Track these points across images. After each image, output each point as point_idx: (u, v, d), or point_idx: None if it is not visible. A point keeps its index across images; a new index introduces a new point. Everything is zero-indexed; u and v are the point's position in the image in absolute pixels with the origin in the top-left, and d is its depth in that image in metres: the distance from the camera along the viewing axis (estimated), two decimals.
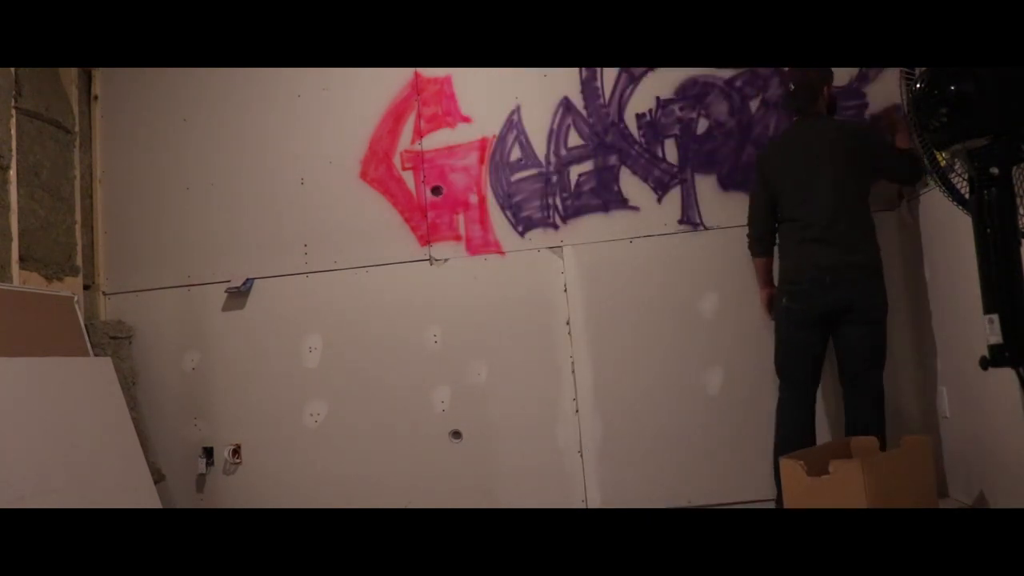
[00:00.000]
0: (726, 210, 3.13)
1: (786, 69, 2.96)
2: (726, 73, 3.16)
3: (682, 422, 3.07)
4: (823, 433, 2.90)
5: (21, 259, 3.04)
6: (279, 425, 3.29)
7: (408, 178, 3.33)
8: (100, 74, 3.59)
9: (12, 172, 3.03)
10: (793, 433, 2.70)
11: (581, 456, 3.12)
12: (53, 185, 3.29)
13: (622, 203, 3.20)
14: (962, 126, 1.48)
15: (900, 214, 2.98)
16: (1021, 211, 1.52)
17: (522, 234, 3.25)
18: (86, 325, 3.21)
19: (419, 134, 3.34)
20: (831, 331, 2.71)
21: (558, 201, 3.23)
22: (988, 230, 1.50)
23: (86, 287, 3.43)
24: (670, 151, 3.19)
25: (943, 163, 1.72)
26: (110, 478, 2.87)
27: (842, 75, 3.08)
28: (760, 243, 2.91)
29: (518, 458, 3.15)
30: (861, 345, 2.65)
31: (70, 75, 3.45)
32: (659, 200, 3.18)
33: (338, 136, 3.37)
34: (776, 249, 2.91)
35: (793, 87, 2.83)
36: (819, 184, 2.68)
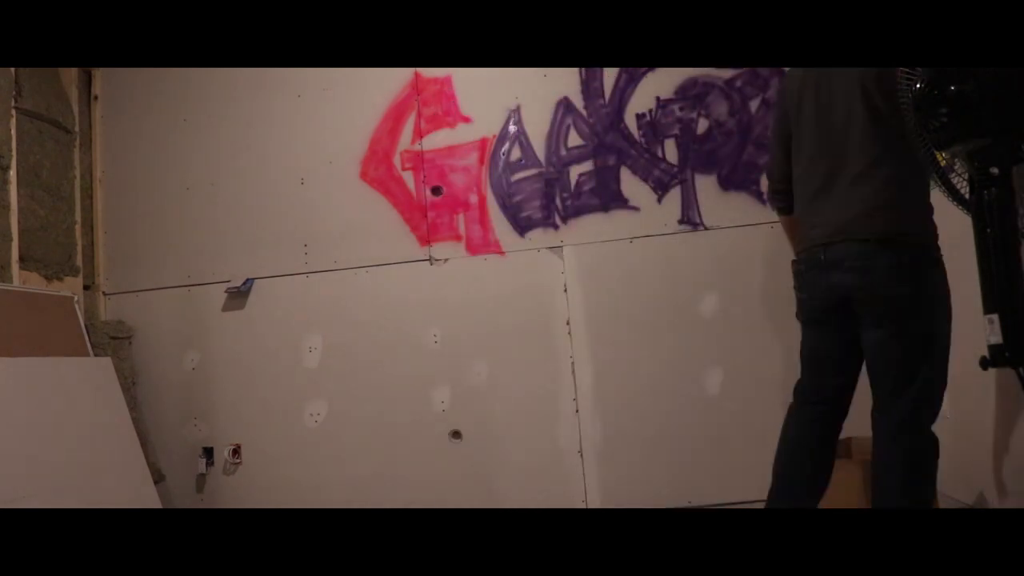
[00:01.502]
0: (726, 210, 3.13)
1: None
2: (726, 73, 3.17)
3: (682, 422, 3.07)
4: None
5: (21, 259, 3.04)
6: (279, 425, 3.29)
7: (408, 178, 3.33)
8: (100, 74, 3.59)
9: (12, 172, 3.03)
10: (790, 457, 2.08)
11: (581, 456, 3.12)
12: (53, 185, 3.29)
13: (622, 203, 3.20)
14: (962, 126, 1.48)
15: None
16: (1021, 211, 1.52)
17: (522, 234, 3.25)
18: (86, 325, 3.21)
19: (419, 134, 3.34)
20: (855, 327, 1.95)
21: (558, 201, 3.23)
22: (988, 230, 1.50)
23: (86, 287, 3.43)
24: (670, 151, 3.19)
25: (943, 163, 1.72)
26: (110, 478, 2.87)
27: None
28: (778, 196, 2.21)
29: (518, 458, 3.15)
30: (881, 357, 1.90)
31: (70, 75, 3.45)
32: (659, 200, 3.18)
33: (338, 136, 3.37)
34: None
35: None
36: (837, 121, 1.92)
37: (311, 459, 3.25)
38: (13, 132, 3.05)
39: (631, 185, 3.20)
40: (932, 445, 1.91)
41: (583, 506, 3.09)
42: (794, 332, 3.05)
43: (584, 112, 3.24)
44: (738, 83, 3.16)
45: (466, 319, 3.22)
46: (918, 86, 1.54)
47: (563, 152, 3.25)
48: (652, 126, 3.21)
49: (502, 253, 3.24)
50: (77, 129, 3.47)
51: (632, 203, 3.19)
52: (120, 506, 2.79)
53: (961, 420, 2.60)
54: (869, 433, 2.76)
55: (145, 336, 3.43)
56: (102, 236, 3.53)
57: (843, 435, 2.79)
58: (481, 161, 3.29)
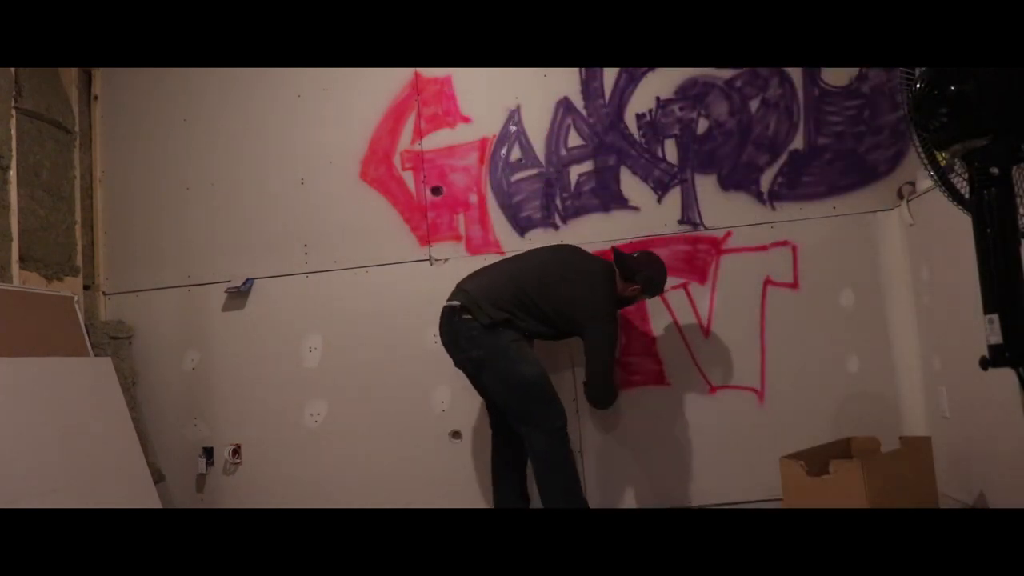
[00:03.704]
0: (726, 210, 3.13)
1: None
2: (726, 73, 3.17)
3: (682, 422, 3.07)
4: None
5: (21, 259, 3.04)
6: (279, 425, 3.29)
7: (408, 178, 3.33)
8: (100, 74, 3.60)
9: (12, 172, 3.03)
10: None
11: (581, 456, 3.11)
12: (53, 185, 3.29)
13: (622, 203, 3.20)
14: (962, 126, 1.48)
15: (900, 214, 2.98)
16: (1021, 211, 1.52)
17: (522, 234, 3.25)
18: (86, 325, 3.21)
19: (419, 134, 3.34)
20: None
21: (558, 201, 3.23)
22: (988, 230, 1.50)
23: (86, 287, 3.43)
24: (670, 151, 3.19)
25: (943, 163, 1.72)
26: (110, 478, 2.87)
27: (842, 75, 3.09)
28: None
29: None
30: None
31: (70, 75, 3.45)
32: (659, 200, 3.18)
33: (338, 136, 3.37)
34: None
35: (635, 254, 2.74)
36: (507, 274, 2.73)
37: (311, 459, 3.25)
38: (13, 132, 3.05)
39: (631, 185, 3.20)
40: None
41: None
42: (793, 331, 3.06)
43: (584, 112, 3.24)
44: (738, 83, 3.16)
45: None
46: (918, 86, 1.54)
47: (563, 152, 3.25)
48: (652, 126, 3.21)
49: (502, 253, 3.24)
50: (77, 129, 3.47)
51: (632, 203, 3.19)
52: (120, 506, 2.79)
53: (961, 420, 2.60)
54: (869, 433, 2.78)
55: (145, 336, 3.43)
56: (102, 236, 3.53)
57: (843, 435, 2.82)
58: (481, 161, 3.29)
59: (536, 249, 2.89)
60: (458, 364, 2.73)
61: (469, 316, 2.61)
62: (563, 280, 2.65)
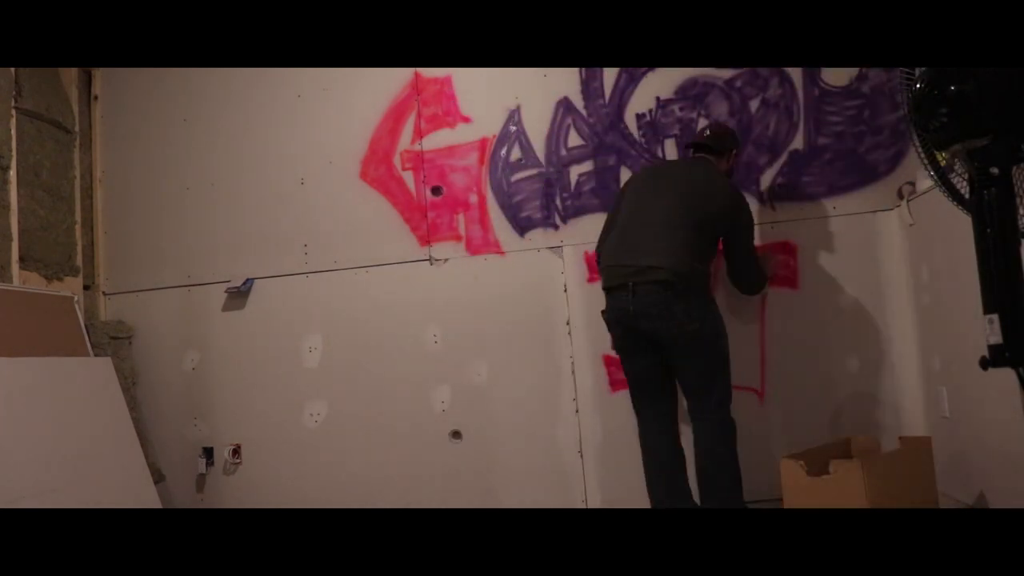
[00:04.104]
0: None
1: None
2: (726, 73, 3.16)
3: (682, 422, 3.07)
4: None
5: (21, 259, 3.04)
6: (279, 425, 3.29)
7: (408, 178, 3.33)
8: (100, 74, 3.60)
9: (12, 172, 3.03)
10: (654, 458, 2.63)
11: (581, 456, 3.12)
12: (53, 185, 3.29)
13: None
14: (962, 126, 1.48)
15: (900, 214, 2.98)
16: (1021, 211, 1.52)
17: (522, 234, 3.25)
18: (86, 325, 3.21)
19: (419, 134, 3.34)
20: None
21: (558, 201, 3.23)
22: (988, 230, 1.50)
23: (86, 287, 3.43)
24: (670, 151, 3.19)
25: (943, 163, 1.72)
26: (110, 478, 2.87)
27: (842, 75, 3.09)
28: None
29: (518, 458, 3.15)
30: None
31: (70, 75, 3.45)
32: None
33: (338, 136, 3.37)
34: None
35: (708, 132, 2.81)
36: (657, 209, 2.54)
37: (311, 459, 3.25)
38: (13, 132, 3.05)
39: None
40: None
41: (583, 506, 3.09)
42: (793, 331, 3.05)
43: (584, 112, 3.24)
44: (738, 83, 3.16)
45: (466, 319, 3.22)
46: (918, 86, 1.54)
47: (563, 152, 3.25)
48: (652, 126, 3.21)
49: (502, 253, 3.24)
50: (77, 129, 3.47)
51: None
52: (120, 506, 2.79)
53: (961, 420, 2.60)
54: (869, 433, 2.78)
55: (145, 336, 3.43)
56: (102, 236, 3.53)
57: (843, 435, 2.82)
58: (481, 161, 3.29)
59: (635, 188, 2.71)
60: (645, 342, 2.52)
61: (675, 283, 2.41)
62: (695, 194, 2.56)
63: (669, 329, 2.44)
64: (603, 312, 2.65)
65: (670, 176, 2.70)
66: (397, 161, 3.34)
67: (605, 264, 2.63)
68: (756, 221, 3.09)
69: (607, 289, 2.60)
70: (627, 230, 2.59)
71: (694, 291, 2.47)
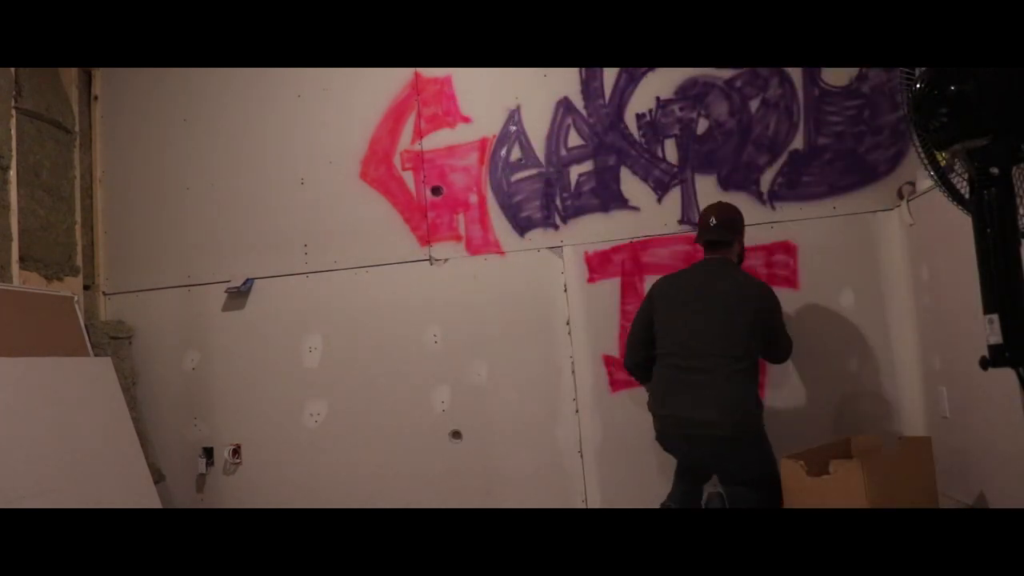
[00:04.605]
0: None
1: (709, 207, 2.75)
2: (726, 73, 3.16)
3: None
4: (821, 435, 2.90)
5: (21, 259, 3.04)
6: (279, 425, 3.29)
7: (408, 178, 3.33)
8: (100, 74, 3.60)
9: (12, 172, 3.03)
10: None
11: (581, 456, 3.12)
12: (53, 185, 3.29)
13: (622, 203, 3.20)
14: (962, 126, 1.47)
15: (900, 214, 2.98)
16: (1021, 211, 1.51)
17: (522, 234, 3.25)
18: (86, 325, 3.21)
19: (419, 134, 3.34)
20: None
21: (558, 201, 3.23)
22: (988, 230, 1.50)
23: (86, 287, 3.43)
24: (670, 151, 3.19)
25: (943, 163, 1.72)
26: (110, 478, 2.87)
27: (841, 75, 3.09)
28: (638, 370, 2.75)
29: (518, 458, 3.15)
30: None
31: (70, 75, 3.45)
32: (659, 200, 3.18)
33: (338, 136, 3.37)
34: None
35: (715, 221, 2.65)
36: (710, 326, 2.50)
37: (311, 459, 3.25)
38: (13, 132, 3.05)
39: (631, 185, 3.20)
40: None
41: (583, 506, 3.09)
42: (793, 331, 3.05)
43: (584, 112, 3.24)
44: (738, 83, 3.16)
45: (466, 319, 3.22)
46: (918, 86, 1.54)
47: (563, 152, 3.25)
48: (652, 126, 3.21)
49: (502, 253, 3.24)
50: (77, 129, 3.47)
51: (632, 203, 3.19)
52: (120, 506, 2.79)
53: (961, 420, 2.60)
54: (869, 433, 2.78)
55: (145, 336, 3.43)
56: (102, 236, 3.53)
57: (843, 435, 2.81)
58: (481, 161, 3.29)
59: (667, 307, 2.65)
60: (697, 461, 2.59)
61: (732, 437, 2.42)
62: (729, 308, 2.52)
63: (724, 474, 2.56)
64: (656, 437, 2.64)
65: (700, 294, 2.59)
66: (397, 161, 3.34)
67: (658, 413, 2.61)
68: (756, 221, 3.10)
69: (661, 432, 2.61)
70: (678, 371, 2.54)
71: (747, 439, 2.47)
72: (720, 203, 2.76)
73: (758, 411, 2.50)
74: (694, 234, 3.12)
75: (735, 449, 2.44)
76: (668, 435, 2.59)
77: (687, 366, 2.51)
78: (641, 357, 2.70)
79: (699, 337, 2.52)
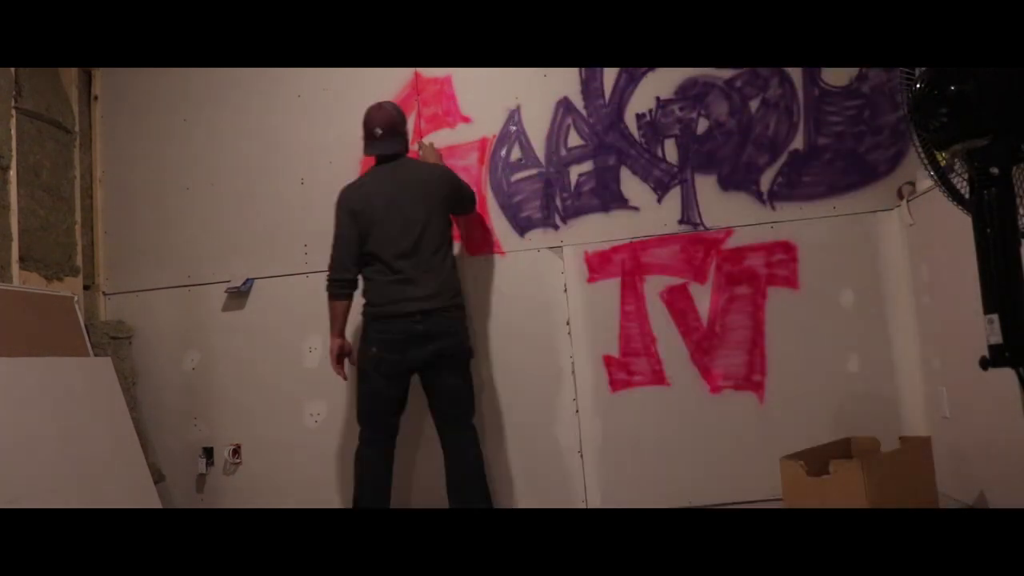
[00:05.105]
0: (726, 210, 3.13)
1: (369, 110, 2.85)
2: (726, 73, 3.16)
3: (682, 422, 3.07)
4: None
5: (21, 259, 3.04)
6: (279, 425, 3.29)
7: None
8: (100, 74, 3.60)
9: (12, 172, 3.03)
10: (373, 485, 2.73)
11: (581, 456, 3.12)
12: (53, 185, 3.29)
13: (622, 203, 3.20)
14: (962, 126, 1.48)
15: (900, 214, 2.98)
16: (1021, 211, 1.52)
17: (522, 234, 3.24)
18: (86, 325, 3.21)
19: (419, 134, 3.34)
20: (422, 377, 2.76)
21: (558, 201, 3.23)
22: (988, 230, 1.50)
23: (86, 287, 3.43)
24: (670, 151, 3.19)
25: (943, 163, 1.72)
26: (110, 478, 2.87)
27: (841, 75, 3.09)
28: (341, 285, 2.81)
29: (518, 458, 3.15)
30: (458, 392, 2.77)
31: (70, 75, 3.45)
32: (659, 200, 3.18)
33: (338, 136, 3.36)
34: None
35: (380, 131, 2.80)
36: (412, 226, 2.71)
37: (311, 459, 3.25)
38: (13, 132, 3.05)
39: (631, 185, 3.20)
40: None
41: (583, 506, 3.09)
42: (793, 331, 3.05)
43: (584, 112, 3.24)
44: (738, 83, 3.16)
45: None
46: (918, 86, 1.54)
47: (563, 152, 3.25)
48: (652, 126, 3.21)
49: (502, 253, 3.24)
50: (77, 129, 3.47)
51: (632, 203, 3.19)
52: (120, 506, 2.79)
53: (961, 420, 2.60)
54: (869, 433, 2.78)
55: (145, 336, 3.43)
56: (102, 236, 3.53)
57: (843, 435, 2.82)
58: (481, 161, 3.29)
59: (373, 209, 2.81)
60: (410, 367, 2.73)
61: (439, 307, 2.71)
62: (408, 191, 2.79)
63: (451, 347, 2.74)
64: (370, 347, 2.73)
65: (399, 190, 2.79)
66: None
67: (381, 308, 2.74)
68: (756, 221, 3.11)
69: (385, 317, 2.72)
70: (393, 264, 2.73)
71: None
72: (380, 106, 2.85)
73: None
74: (694, 234, 3.14)
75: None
76: (394, 318, 2.74)
77: (401, 251, 2.73)
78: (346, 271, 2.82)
79: (411, 232, 2.73)
